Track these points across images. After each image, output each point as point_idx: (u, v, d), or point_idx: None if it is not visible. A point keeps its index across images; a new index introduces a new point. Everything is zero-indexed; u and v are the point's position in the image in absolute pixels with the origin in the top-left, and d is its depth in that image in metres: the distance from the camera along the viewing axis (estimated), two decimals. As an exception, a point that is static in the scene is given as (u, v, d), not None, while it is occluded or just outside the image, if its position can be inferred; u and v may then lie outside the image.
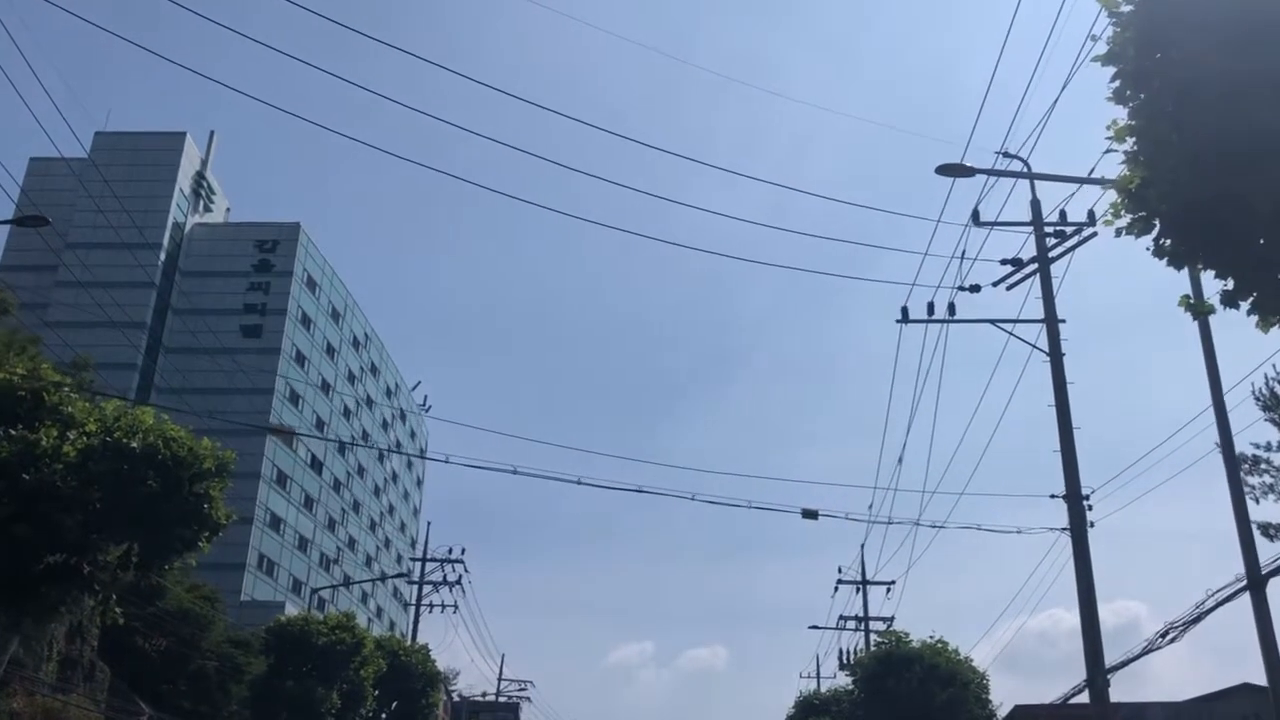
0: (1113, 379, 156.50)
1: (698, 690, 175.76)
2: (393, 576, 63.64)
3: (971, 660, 35.95)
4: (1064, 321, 21.67)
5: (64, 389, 20.73)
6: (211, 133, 77.48)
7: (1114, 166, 9.59)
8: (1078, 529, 19.89)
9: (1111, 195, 9.20)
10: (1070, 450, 20.40)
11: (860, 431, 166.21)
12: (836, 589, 50.06)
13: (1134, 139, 9.61)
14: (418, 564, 51.09)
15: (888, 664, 36.40)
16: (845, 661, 49.65)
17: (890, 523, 21.49)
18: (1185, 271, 16.13)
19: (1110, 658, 19.07)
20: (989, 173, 17.67)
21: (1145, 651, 15.89)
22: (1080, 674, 34.24)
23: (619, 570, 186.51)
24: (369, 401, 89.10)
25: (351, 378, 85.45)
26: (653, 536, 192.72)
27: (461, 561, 50.64)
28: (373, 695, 35.66)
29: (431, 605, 49.74)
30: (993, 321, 22.08)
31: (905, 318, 22.26)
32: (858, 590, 50.03)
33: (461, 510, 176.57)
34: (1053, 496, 20.11)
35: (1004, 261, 22.00)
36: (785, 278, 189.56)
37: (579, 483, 16.99)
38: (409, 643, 44.54)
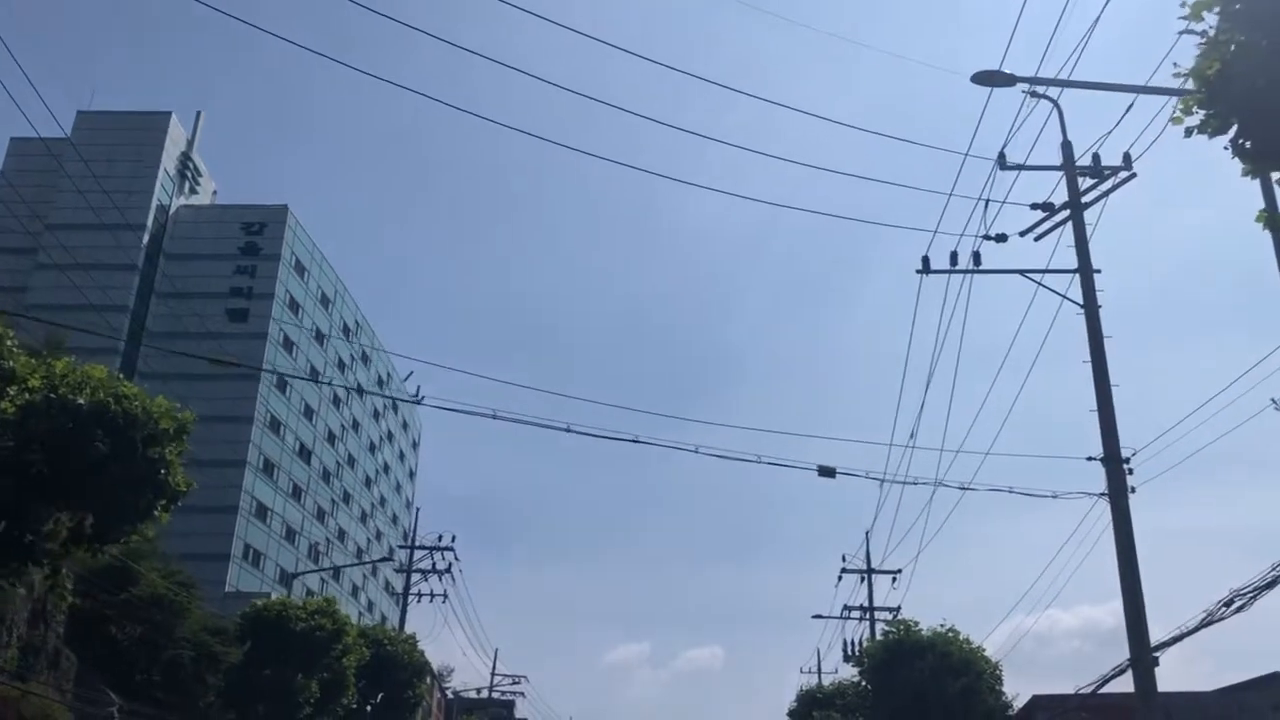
0: (1151, 340, 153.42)
1: (694, 691, 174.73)
2: (377, 560, 61.61)
3: (983, 650, 34.27)
4: (1099, 272, 19.92)
5: (4, 342, 18.79)
6: (198, 113, 75.64)
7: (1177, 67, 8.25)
8: (1118, 494, 18.14)
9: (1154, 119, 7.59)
10: (1108, 409, 18.64)
11: (870, 418, 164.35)
12: (841, 578, 48.34)
13: (1218, 9, 8.17)
14: (407, 552, 49.36)
15: (897, 653, 34.65)
16: (850, 653, 47.87)
17: (914, 483, 19.68)
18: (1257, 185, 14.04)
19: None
20: (1029, 80, 15.86)
21: (1205, 624, 14.11)
22: (1080, 673, 32.44)
23: (616, 571, 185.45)
24: (360, 390, 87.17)
25: (341, 365, 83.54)
26: (651, 537, 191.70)
27: (451, 549, 48.87)
28: (355, 685, 33.80)
29: (420, 595, 47.99)
30: (1022, 272, 20.28)
31: (926, 268, 20.44)
32: (862, 580, 48.31)
33: (458, 509, 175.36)
34: (1090, 459, 18.35)
35: (1034, 206, 20.19)
36: (787, 272, 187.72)
37: (568, 430, 15.21)
38: (396, 632, 42.74)
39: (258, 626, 32.02)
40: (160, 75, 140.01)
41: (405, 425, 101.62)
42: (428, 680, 45.83)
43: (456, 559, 48.42)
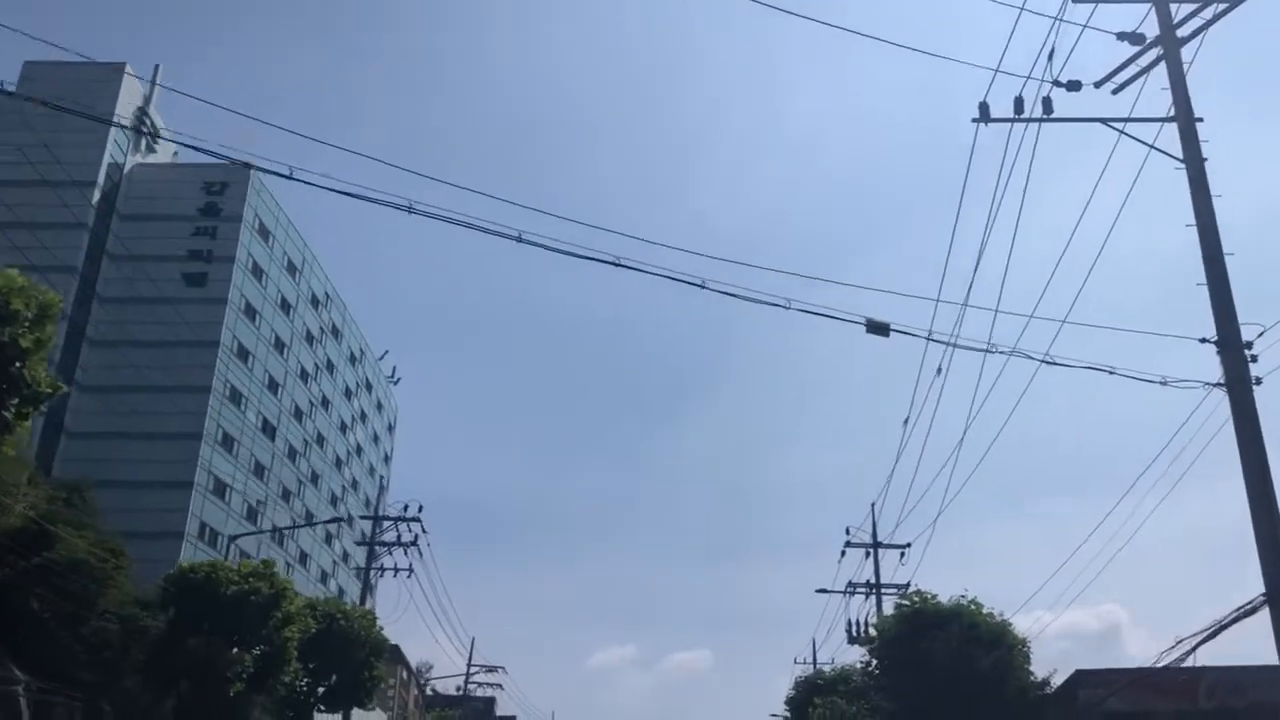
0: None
1: (681, 695, 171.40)
2: (328, 521, 56.40)
3: (1010, 624, 30.32)
4: (1201, 121, 15.92)
5: None
6: (156, 67, 70.84)
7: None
8: (1238, 383, 14.12)
9: None
10: (1221, 282, 14.63)
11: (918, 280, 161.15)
12: (844, 553, 44.32)
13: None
14: (374, 528, 45.08)
15: (916, 625, 30.63)
16: (856, 634, 43.88)
17: (990, 352, 15.50)
18: None
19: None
20: None
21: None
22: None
23: (602, 572, 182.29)
24: (329, 366, 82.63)
25: (310, 338, 78.95)
26: (638, 538, 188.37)
27: (418, 520, 44.64)
28: (296, 658, 29.51)
29: (383, 569, 43.72)
30: (1104, 121, 16.27)
31: (985, 116, 16.41)
32: (867, 555, 44.31)
33: (441, 508, 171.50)
34: (1203, 341, 14.32)
35: (1121, 37, 16.14)
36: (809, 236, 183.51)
37: (519, 239, 11.00)
38: (353, 606, 38.50)
39: (183, 591, 27.73)
40: (123, 32, 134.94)
41: (380, 406, 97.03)
42: (387, 660, 41.67)
43: (424, 531, 44.25)
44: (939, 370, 19.65)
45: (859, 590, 43.63)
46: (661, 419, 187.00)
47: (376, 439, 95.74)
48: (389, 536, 43.66)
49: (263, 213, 71.41)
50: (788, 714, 49.85)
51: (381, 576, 43.60)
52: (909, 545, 42.55)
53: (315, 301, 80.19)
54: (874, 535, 44.24)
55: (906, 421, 22.59)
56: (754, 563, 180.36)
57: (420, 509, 44.03)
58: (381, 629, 37.57)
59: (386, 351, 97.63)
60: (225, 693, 26.86)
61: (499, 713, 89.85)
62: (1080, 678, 27.97)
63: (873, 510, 44.79)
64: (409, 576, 42.99)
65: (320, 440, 78.08)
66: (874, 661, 35.80)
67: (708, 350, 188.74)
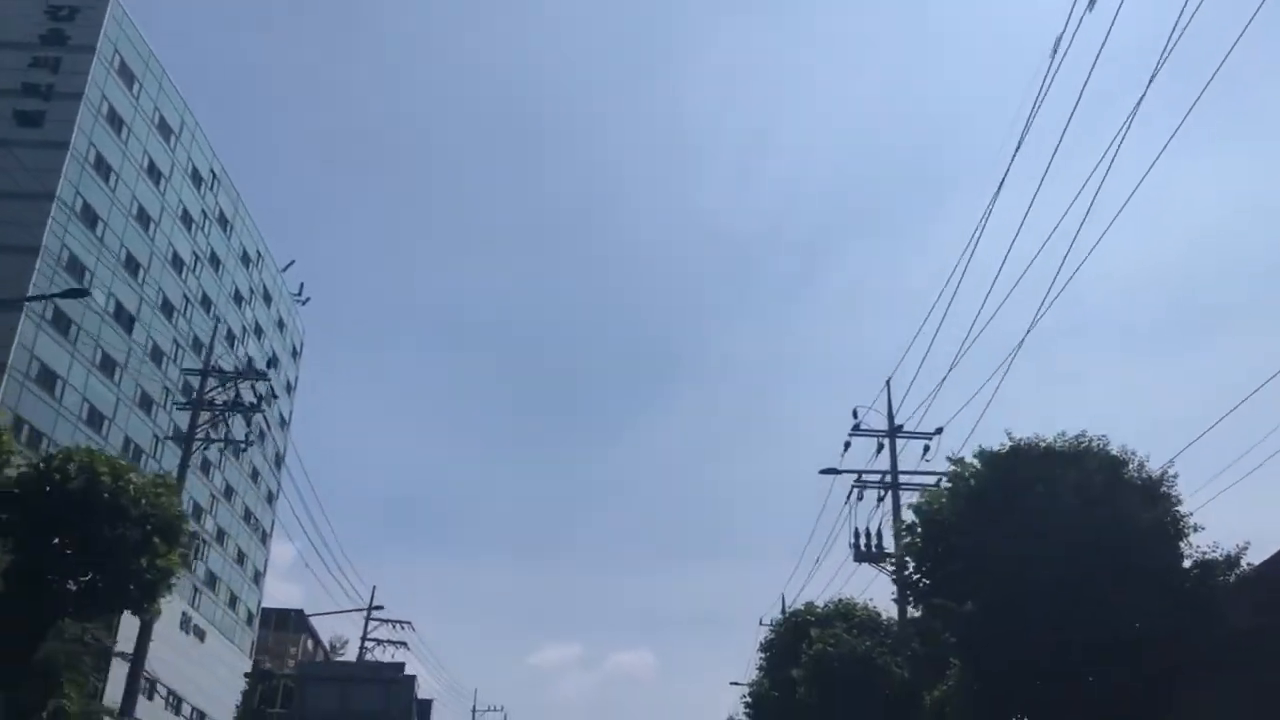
0: None
1: (622, 695, 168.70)
2: (58, 296, 41.96)
3: (1171, 475, 18.70)
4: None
5: None
6: None
7: None
8: None
9: None
10: None
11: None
12: (848, 445, 32.31)
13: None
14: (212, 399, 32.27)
15: (1013, 472, 19.08)
16: (868, 546, 32.04)
17: None
18: None
19: None
20: None
21: None
22: None
23: (545, 571, 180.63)
24: (214, 260, 68.99)
25: (188, 220, 65.32)
26: (586, 538, 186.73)
27: (264, 376, 32.06)
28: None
29: (210, 439, 30.99)
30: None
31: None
32: (880, 449, 32.54)
33: (379, 502, 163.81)
34: None
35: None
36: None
37: None
38: (139, 472, 25.79)
39: None
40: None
41: (281, 324, 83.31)
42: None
43: (274, 396, 31.76)
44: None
45: (870, 483, 31.89)
46: (612, 419, 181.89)
47: (276, 361, 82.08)
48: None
49: (126, 51, 57.85)
50: (761, 664, 37.99)
51: (206, 449, 30.94)
52: (939, 432, 30.98)
53: (197, 178, 66.57)
54: (890, 419, 32.52)
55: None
56: (698, 565, 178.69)
57: (269, 363, 31.26)
58: (180, 505, 24.87)
59: (292, 261, 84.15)
60: None
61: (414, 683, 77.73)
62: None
63: (888, 388, 33.10)
64: (244, 450, 30.37)
65: (196, 344, 64.34)
66: (913, 565, 24.13)
67: (663, 350, 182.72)
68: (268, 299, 79.59)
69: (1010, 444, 19.33)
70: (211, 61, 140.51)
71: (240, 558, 75.92)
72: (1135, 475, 17.85)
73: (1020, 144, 17.43)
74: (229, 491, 73.06)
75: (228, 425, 31.24)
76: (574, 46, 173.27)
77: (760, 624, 54.57)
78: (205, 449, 34.12)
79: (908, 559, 24.57)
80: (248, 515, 77.38)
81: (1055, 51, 15.47)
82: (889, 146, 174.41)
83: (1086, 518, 17.36)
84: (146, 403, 59.95)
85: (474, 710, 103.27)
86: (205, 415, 30.92)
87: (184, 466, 30.40)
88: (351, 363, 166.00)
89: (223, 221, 70.53)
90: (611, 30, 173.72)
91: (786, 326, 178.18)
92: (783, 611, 38.98)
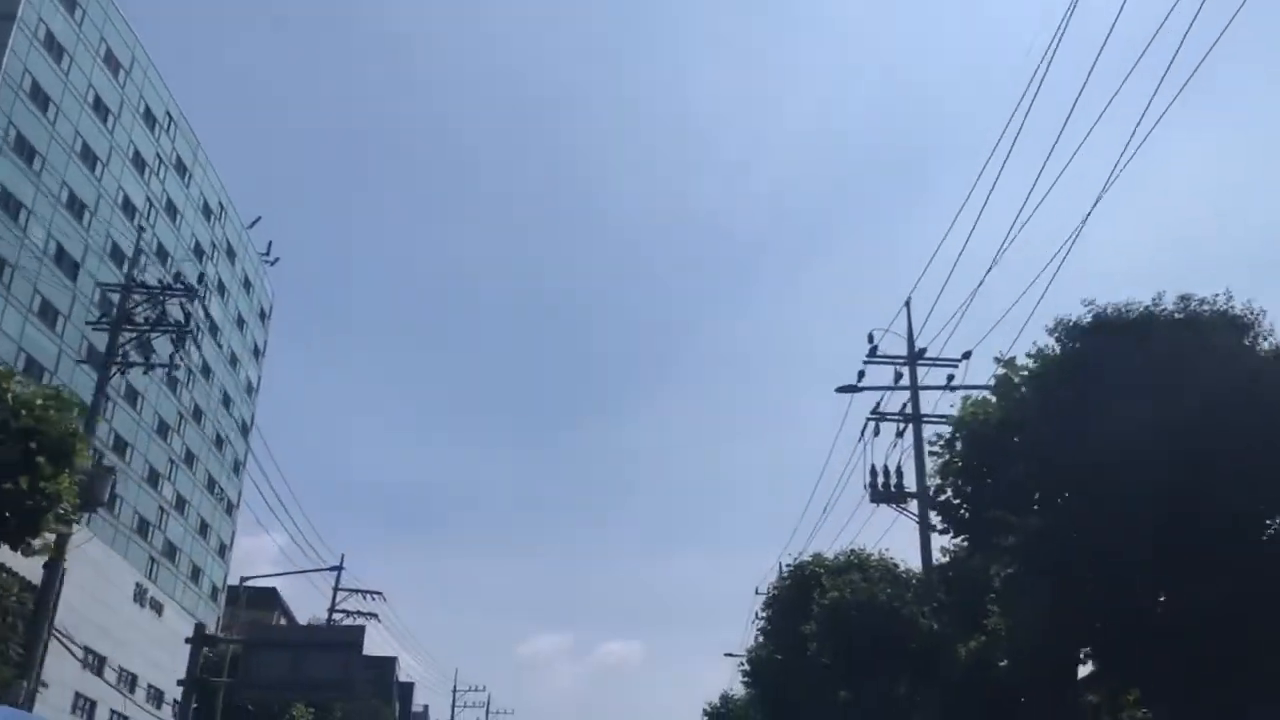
0: None
1: (610, 684, 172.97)
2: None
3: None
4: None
5: None
6: None
7: None
8: None
9: None
10: None
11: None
12: (861, 375, 28.21)
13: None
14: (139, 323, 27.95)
15: (1093, 346, 15.21)
16: (888, 483, 28.05)
17: None
18: None
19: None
20: None
21: None
22: None
23: (537, 561, 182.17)
24: (170, 208, 64.37)
25: (140, 163, 60.68)
26: (578, 529, 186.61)
27: (194, 291, 27.80)
28: None
29: (126, 357, 26.69)
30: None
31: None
32: (898, 378, 28.57)
33: (373, 491, 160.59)
34: None
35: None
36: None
37: None
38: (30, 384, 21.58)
39: None
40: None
41: (248, 284, 78.71)
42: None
43: (206, 316, 27.59)
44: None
45: (890, 415, 27.85)
46: (603, 410, 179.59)
47: (242, 323, 77.60)
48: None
49: (66, -27, 53.16)
50: (762, 625, 34.09)
51: (127, 371, 26.72)
52: (968, 356, 26.95)
53: (150, 119, 61.88)
54: (910, 343, 28.55)
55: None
56: (689, 556, 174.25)
57: (202, 279, 27.19)
58: (75, 425, 20.66)
59: (259, 218, 79.48)
60: None
61: (374, 653, 74.01)
62: None
63: (908, 309, 29.10)
64: (170, 373, 26.15)
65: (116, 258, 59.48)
66: (952, 490, 20.49)
67: (653, 341, 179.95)
68: (231, 255, 74.97)
69: (1091, 314, 15.37)
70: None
71: (203, 528, 71.60)
72: (1267, 342, 13.92)
73: (1018, 136, 13.49)
74: (190, 457, 68.71)
75: (150, 346, 26.97)
76: (563, 36, 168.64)
77: (756, 593, 50.78)
78: (137, 381, 29.76)
79: (944, 484, 20.68)
80: (211, 484, 73.00)
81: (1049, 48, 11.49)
82: (884, 133, 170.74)
83: (1202, 394, 13.42)
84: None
85: (454, 690, 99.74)
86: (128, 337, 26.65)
87: (100, 390, 26.13)
88: (326, 334, 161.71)
89: (180, 168, 65.88)
90: (605, 18, 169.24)
91: (780, 318, 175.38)
92: (781, 575, 34.89)
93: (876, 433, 28.45)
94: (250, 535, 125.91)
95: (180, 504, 67.28)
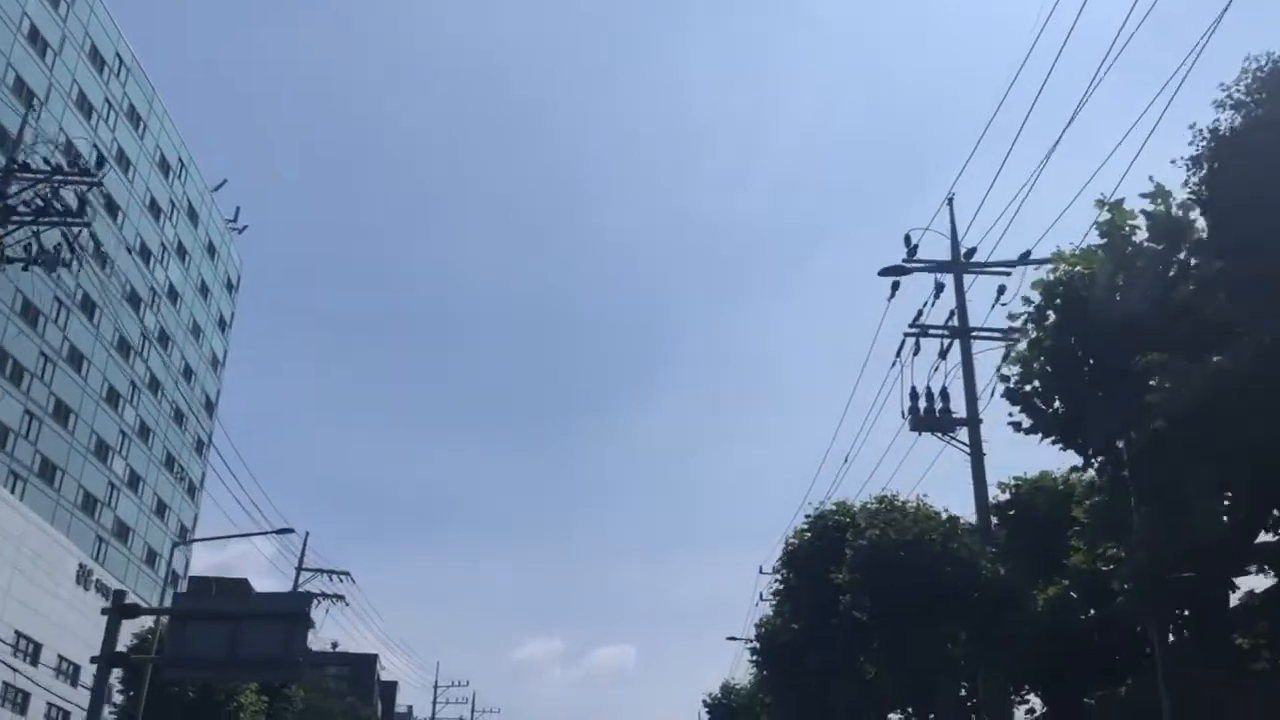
0: None
1: (603, 689, 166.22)
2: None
3: None
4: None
5: None
6: None
7: None
8: None
9: None
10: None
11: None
12: (895, 286, 23.36)
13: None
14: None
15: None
16: (929, 410, 23.23)
17: None
18: None
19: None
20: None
21: None
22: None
23: (529, 565, 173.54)
24: (122, 160, 59.35)
25: (85, 105, 55.65)
26: (571, 533, 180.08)
27: (93, 176, 22.93)
28: None
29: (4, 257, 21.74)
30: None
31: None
32: (938, 294, 23.76)
33: (361, 494, 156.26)
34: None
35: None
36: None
37: None
38: None
39: None
40: None
41: (212, 250, 73.63)
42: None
43: (89, 230, 23.01)
44: None
45: (934, 330, 23.04)
46: (595, 414, 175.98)
47: (206, 291, 72.53)
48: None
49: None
50: (777, 589, 29.19)
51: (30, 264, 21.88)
52: (1028, 256, 22.11)
53: (97, 59, 56.88)
54: (954, 246, 23.85)
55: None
56: (682, 560, 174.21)
57: (90, 190, 22.48)
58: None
59: (225, 181, 74.48)
60: None
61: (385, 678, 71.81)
62: None
63: (950, 206, 24.46)
64: (59, 265, 21.37)
65: (98, 253, 54.80)
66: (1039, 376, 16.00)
67: (644, 345, 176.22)
68: (194, 217, 69.93)
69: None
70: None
71: (160, 508, 66.48)
72: None
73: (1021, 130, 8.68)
74: (144, 431, 63.64)
75: (39, 239, 22.15)
76: (557, 34, 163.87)
77: (761, 572, 45.84)
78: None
79: (1030, 370, 16.03)
80: (170, 461, 67.92)
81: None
82: (882, 127, 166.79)
83: None
84: (35, 321, 50.41)
85: (435, 685, 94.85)
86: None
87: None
88: (311, 331, 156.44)
89: (133, 117, 60.84)
90: (599, 20, 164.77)
91: (775, 321, 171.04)
92: (801, 528, 29.72)
93: (917, 350, 23.70)
94: (246, 542, 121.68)
95: (134, 481, 62.20)
